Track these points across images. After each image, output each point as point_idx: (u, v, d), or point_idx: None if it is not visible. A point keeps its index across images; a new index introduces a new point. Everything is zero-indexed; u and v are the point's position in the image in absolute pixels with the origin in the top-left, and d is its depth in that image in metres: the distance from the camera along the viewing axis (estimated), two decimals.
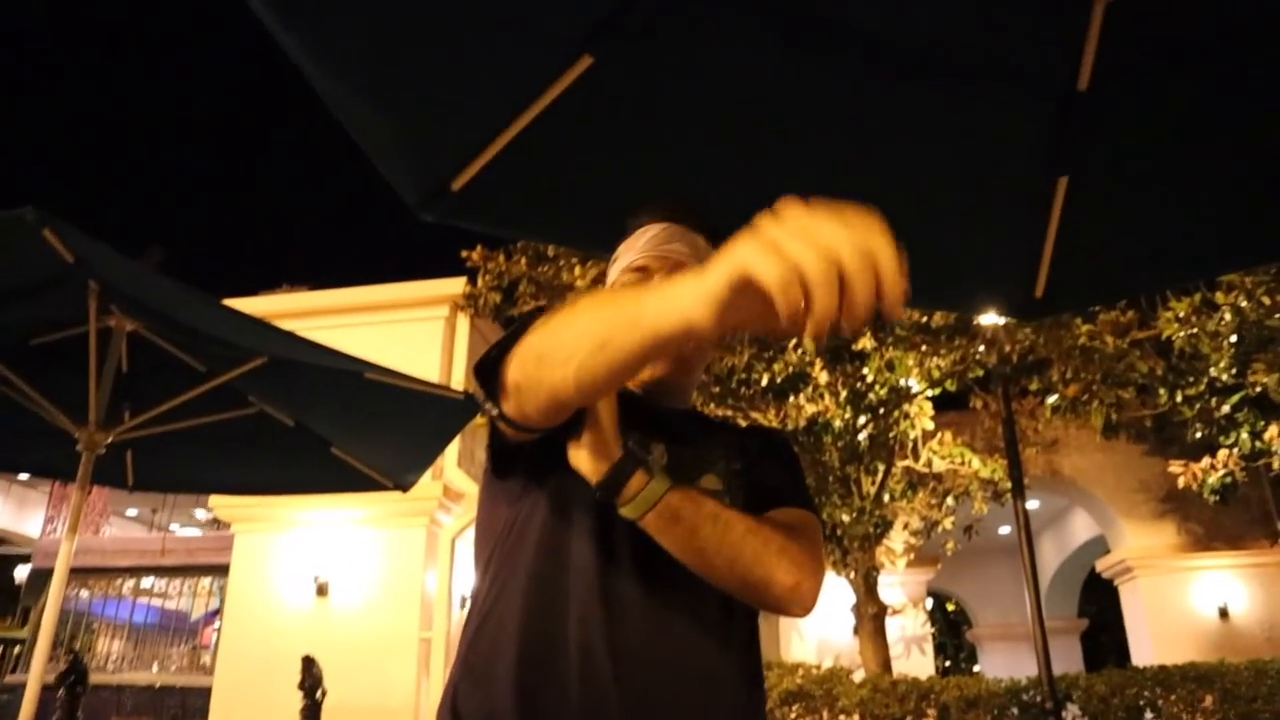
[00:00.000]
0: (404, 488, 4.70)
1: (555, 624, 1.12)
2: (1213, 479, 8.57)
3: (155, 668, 14.02)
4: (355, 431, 4.45)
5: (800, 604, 1.13)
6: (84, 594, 15.07)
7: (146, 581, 15.23)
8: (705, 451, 1.30)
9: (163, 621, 15.35)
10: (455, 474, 11.26)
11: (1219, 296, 7.57)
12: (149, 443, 4.23)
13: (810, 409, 8.61)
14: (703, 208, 1.43)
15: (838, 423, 8.65)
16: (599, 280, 8.05)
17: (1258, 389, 7.76)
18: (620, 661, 1.09)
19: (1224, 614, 10.89)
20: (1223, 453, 8.50)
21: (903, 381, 8.57)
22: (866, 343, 8.43)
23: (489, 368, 1.10)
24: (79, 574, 14.17)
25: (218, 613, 14.07)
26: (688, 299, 0.81)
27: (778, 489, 1.29)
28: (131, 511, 23.67)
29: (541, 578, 1.15)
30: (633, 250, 1.38)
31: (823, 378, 8.61)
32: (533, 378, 1.01)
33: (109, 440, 3.66)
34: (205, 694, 11.20)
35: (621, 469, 1.10)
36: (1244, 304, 7.45)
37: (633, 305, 0.88)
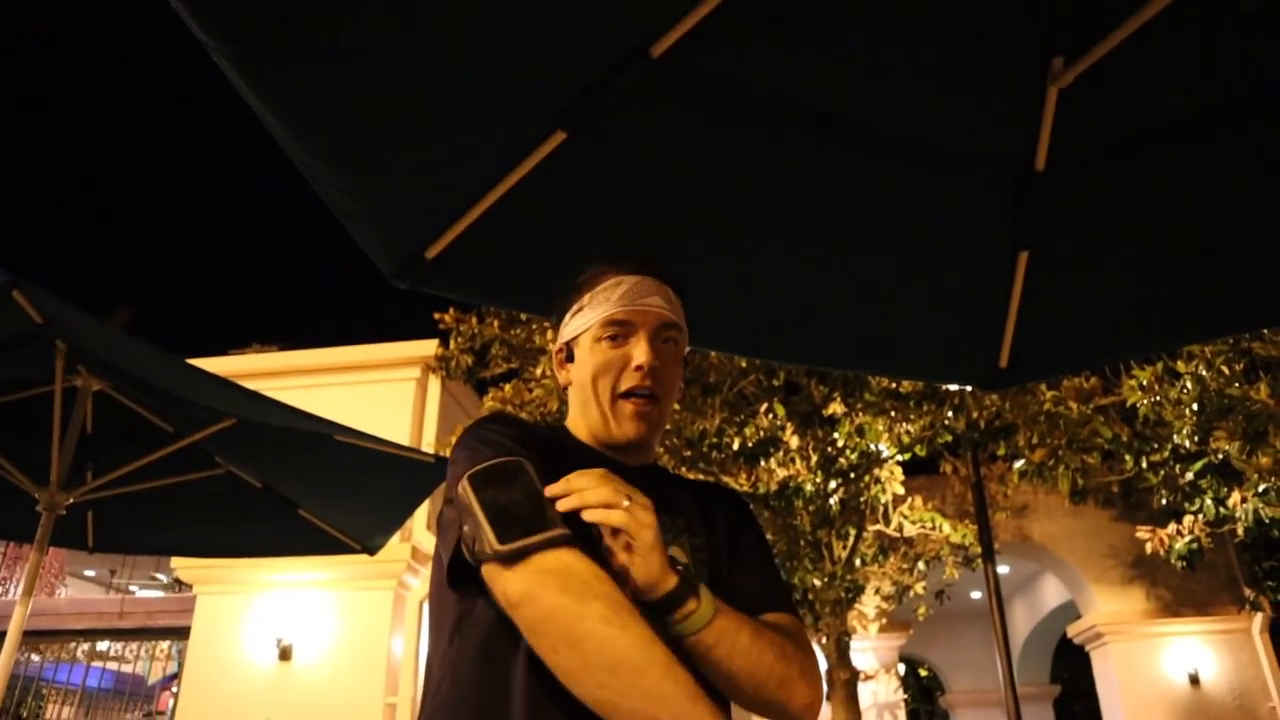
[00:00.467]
0: (371, 551, 4.64)
1: None
2: (1179, 545, 8.63)
3: None
4: (323, 493, 4.40)
5: (813, 715, 1.18)
6: (35, 658, 14.59)
7: (102, 645, 14.77)
8: (670, 520, 1.28)
9: (117, 686, 14.87)
10: (424, 536, 11.11)
11: (1180, 365, 7.71)
12: (111, 503, 4.15)
13: (781, 473, 8.61)
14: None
15: (809, 487, 8.65)
16: None
17: (1220, 456, 7.87)
18: None
19: (1194, 680, 10.87)
20: (1188, 519, 8.58)
21: (873, 446, 8.61)
22: (837, 408, 8.49)
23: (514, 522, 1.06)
24: (31, 637, 13.72)
25: (175, 676, 13.67)
26: None
27: (765, 591, 1.30)
28: (89, 572, 23.06)
29: (481, 684, 1.10)
30: (607, 303, 1.34)
31: (794, 442, 8.63)
32: (562, 624, 1.00)
33: (70, 501, 3.60)
34: None
35: (682, 591, 1.08)
36: (1205, 373, 7.60)
37: None
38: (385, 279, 1.95)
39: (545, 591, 1.01)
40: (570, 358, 1.40)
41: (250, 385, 3.59)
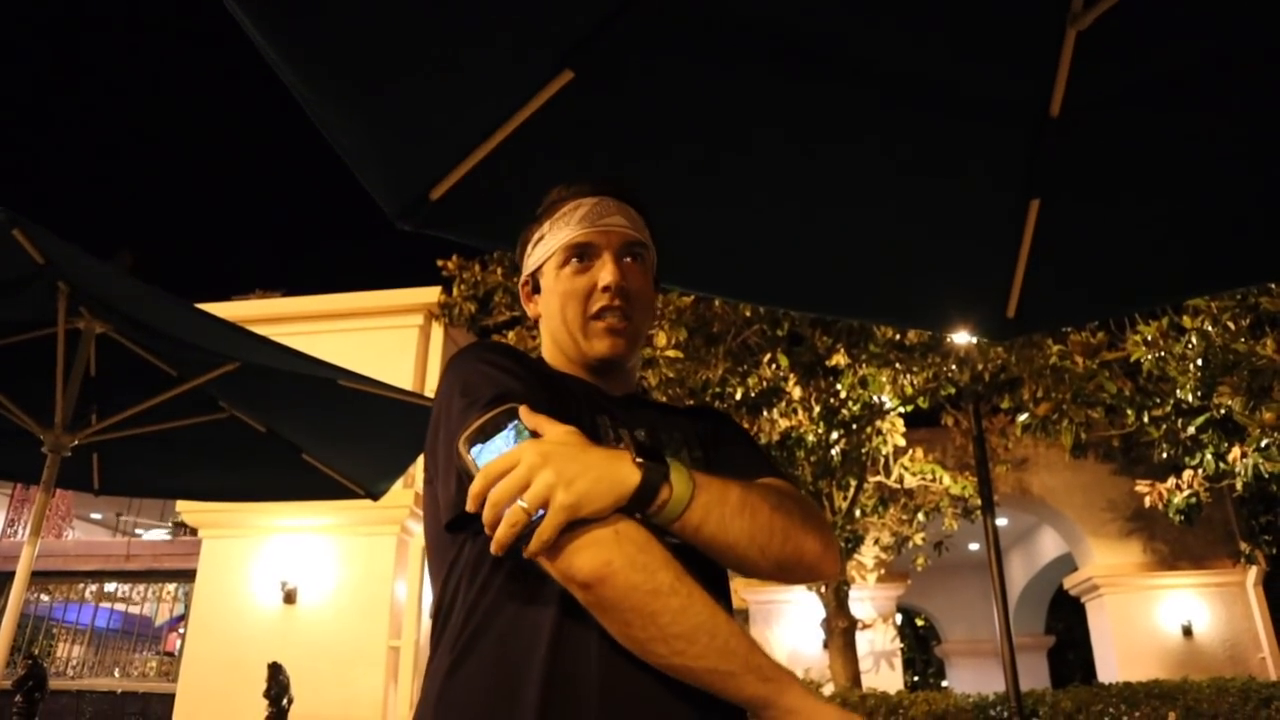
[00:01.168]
0: (375, 496, 4.67)
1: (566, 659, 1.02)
2: (1178, 499, 8.68)
3: (117, 673, 13.80)
4: (327, 439, 4.42)
5: (832, 567, 1.18)
6: (44, 598, 14.82)
7: (110, 586, 14.99)
8: (666, 438, 1.26)
9: (126, 627, 15.11)
10: None
11: (1186, 320, 7.69)
12: (116, 446, 4.18)
13: (784, 424, 8.64)
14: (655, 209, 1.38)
15: (811, 438, 8.69)
16: None
17: (1222, 411, 7.89)
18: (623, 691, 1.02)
19: (1188, 632, 11.01)
20: (1188, 473, 8.62)
21: (875, 398, 8.63)
22: (840, 358, 8.49)
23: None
24: (40, 578, 13.93)
25: (182, 618, 13.88)
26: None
27: (751, 465, 1.28)
28: (96, 515, 23.32)
29: (515, 634, 1.05)
30: (568, 226, 1.29)
31: (796, 393, 8.65)
32: (637, 602, 0.97)
33: (75, 443, 3.61)
34: (168, 701, 11.04)
35: (648, 482, 1.01)
36: (1210, 328, 7.57)
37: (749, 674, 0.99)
38: (389, 221, 1.93)
39: (615, 571, 0.97)
40: (537, 289, 1.36)
41: (255, 330, 3.58)
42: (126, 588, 14.99)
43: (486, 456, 0.99)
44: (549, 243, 1.31)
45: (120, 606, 15.25)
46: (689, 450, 1.26)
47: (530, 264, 1.35)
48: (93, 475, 4.54)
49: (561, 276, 1.29)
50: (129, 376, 3.93)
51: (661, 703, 1.02)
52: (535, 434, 1.01)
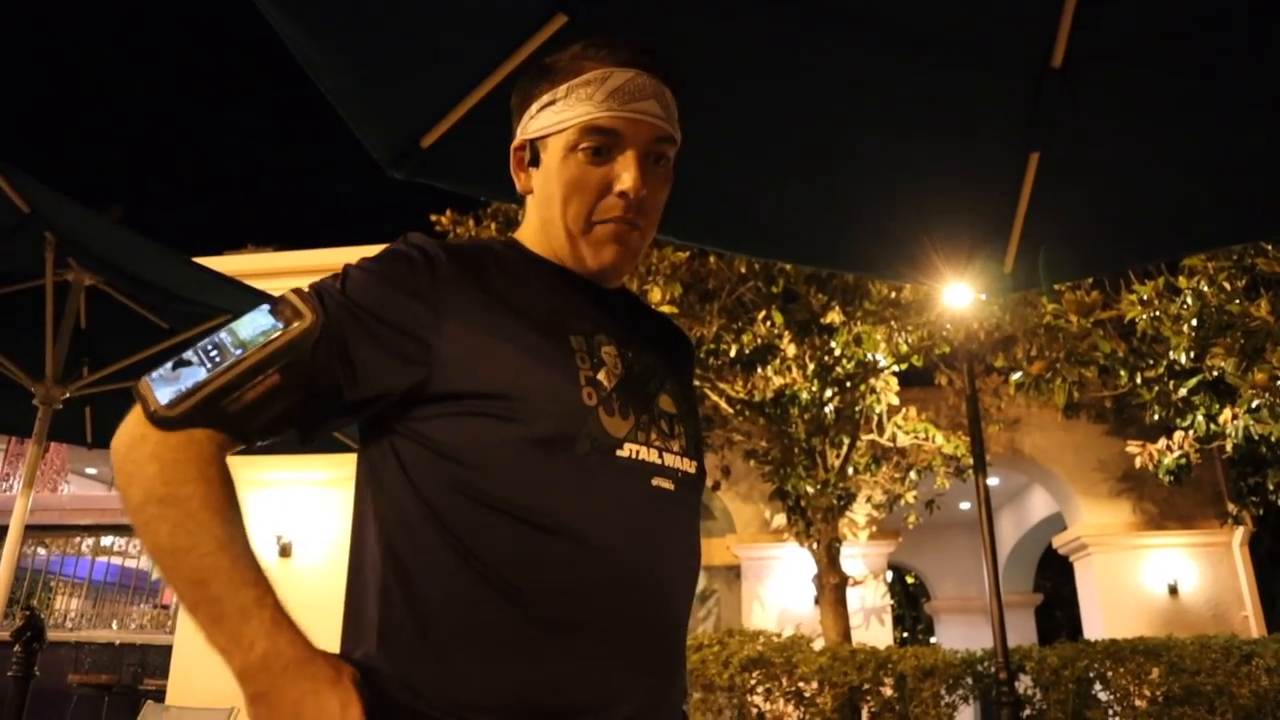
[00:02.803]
0: None
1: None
2: (1168, 460, 8.74)
3: (115, 625, 13.91)
4: None
5: None
6: (41, 552, 14.89)
7: (106, 540, 15.06)
8: (653, 360, 1.14)
9: (123, 580, 15.20)
10: None
11: (1181, 281, 7.68)
12: (109, 399, 4.17)
13: (778, 381, 8.66)
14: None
15: (805, 395, 8.71)
16: None
17: (1215, 373, 7.91)
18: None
19: (1174, 591, 11.15)
20: (1179, 434, 8.67)
21: (870, 356, 8.64)
22: (835, 316, 8.48)
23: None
24: (36, 531, 13.99)
25: None
26: (238, 663, 0.89)
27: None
28: (91, 470, 23.36)
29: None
30: (589, 102, 1.06)
31: (790, 350, 8.65)
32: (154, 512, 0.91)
33: (66, 396, 3.61)
34: (166, 652, 11.15)
35: None
36: (1205, 289, 7.57)
37: (220, 613, 0.89)
38: (383, 171, 1.90)
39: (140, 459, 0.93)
40: (535, 161, 1.13)
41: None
42: (123, 541, 15.07)
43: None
44: (562, 112, 1.08)
45: (117, 560, 15.34)
46: (671, 381, 1.14)
47: (532, 128, 1.12)
48: (85, 428, 4.54)
49: (571, 161, 1.08)
50: (121, 329, 3.91)
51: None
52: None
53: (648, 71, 1.09)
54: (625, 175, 1.07)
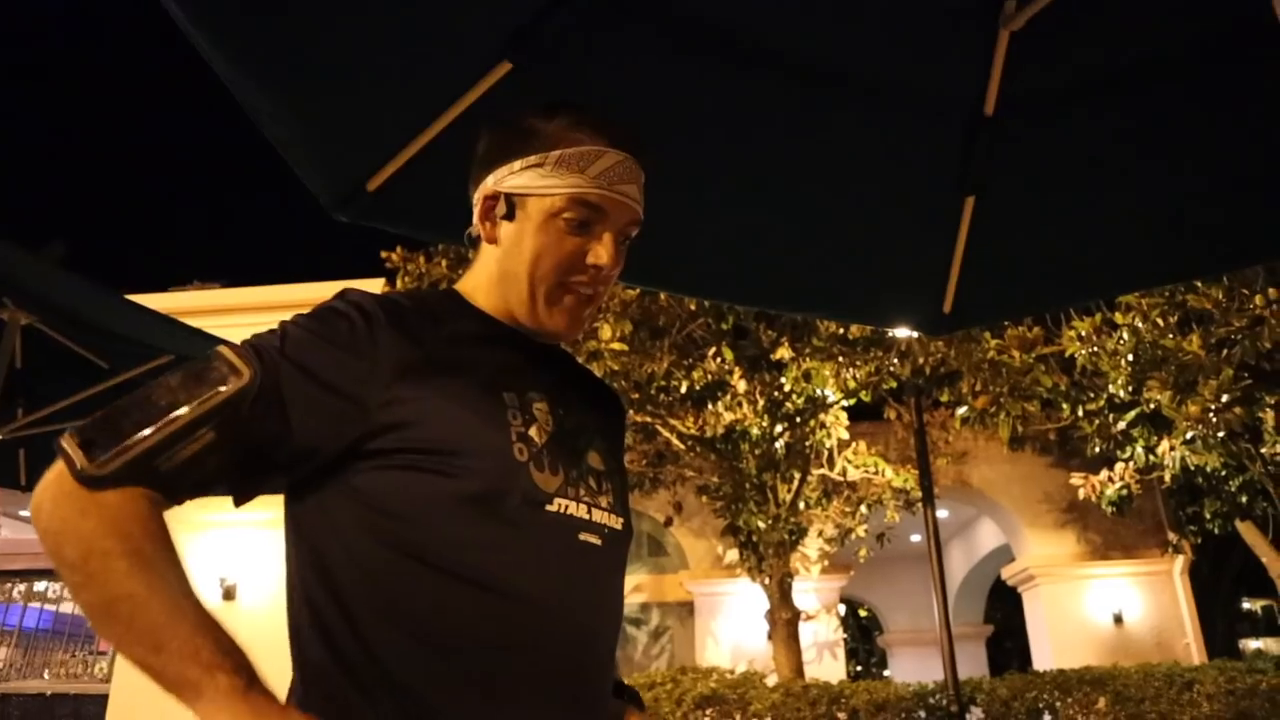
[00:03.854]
0: None
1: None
2: (1110, 491, 8.94)
3: (47, 675, 13.41)
4: None
5: None
6: None
7: (40, 585, 14.55)
8: (584, 417, 1.17)
9: (56, 626, 14.67)
10: None
11: (1118, 317, 7.91)
12: (45, 441, 4.06)
13: (729, 417, 8.70)
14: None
15: (755, 431, 8.76)
16: None
17: (1151, 405, 8.13)
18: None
19: (1118, 620, 11.34)
20: (1119, 466, 8.88)
21: (819, 391, 8.73)
22: (785, 352, 8.57)
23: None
24: None
25: None
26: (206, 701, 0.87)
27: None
28: (24, 512, 22.60)
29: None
30: (580, 176, 1.10)
31: (741, 386, 8.71)
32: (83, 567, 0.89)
33: (0, 438, 3.51)
34: (101, 701, 10.76)
35: None
36: (1140, 325, 7.80)
37: (163, 653, 0.88)
38: (326, 212, 1.90)
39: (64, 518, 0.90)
40: (510, 215, 1.15)
41: (192, 323, 3.50)
42: (57, 586, 14.56)
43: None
44: (549, 177, 1.11)
45: (51, 606, 14.81)
46: (600, 439, 1.17)
47: (510, 184, 1.14)
48: (19, 471, 4.41)
49: (551, 226, 1.11)
50: (58, 369, 3.82)
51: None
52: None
53: (635, 158, 1.15)
54: (603, 252, 1.12)
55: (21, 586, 14.43)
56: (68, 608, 14.69)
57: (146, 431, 0.91)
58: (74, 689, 12.45)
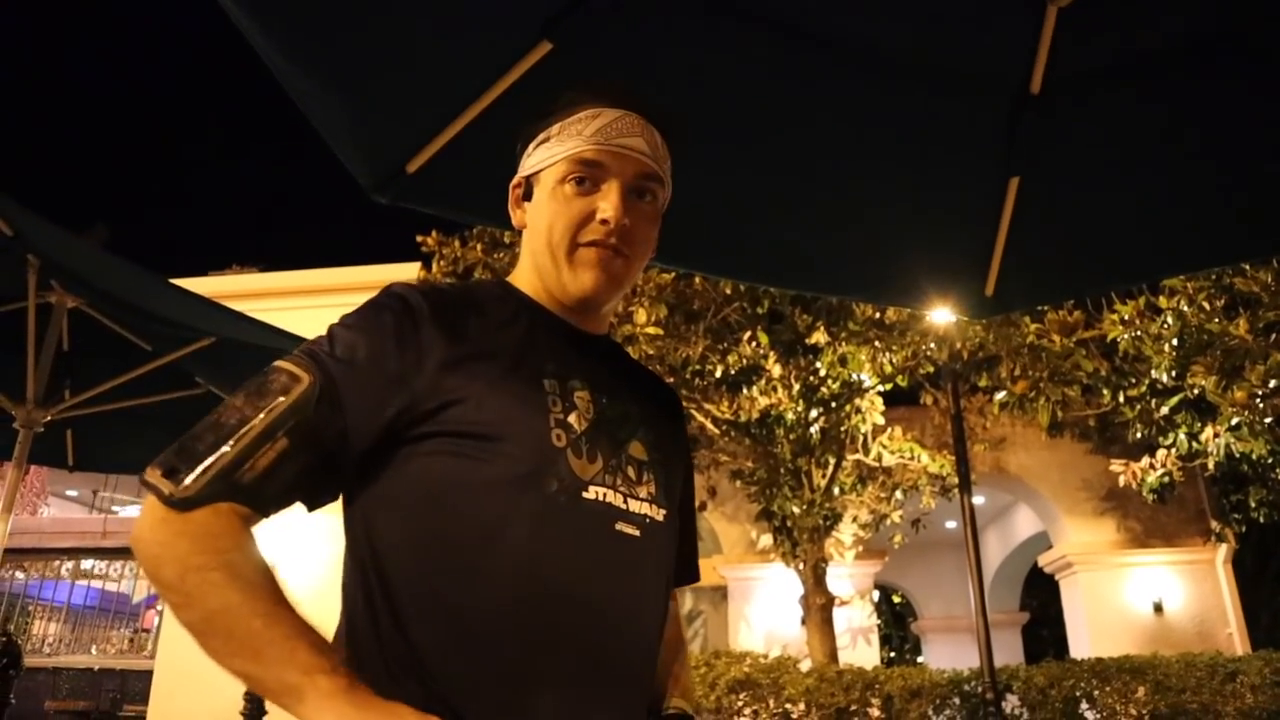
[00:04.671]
0: None
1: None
2: (1151, 478, 8.79)
3: (94, 650, 13.74)
4: None
5: None
6: (19, 576, 14.71)
7: (86, 563, 14.90)
8: (629, 407, 1.15)
9: (103, 604, 15.03)
10: None
11: (1162, 300, 7.76)
12: (90, 422, 4.14)
13: (763, 401, 8.67)
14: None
15: (790, 415, 8.72)
16: None
17: (1196, 391, 7.98)
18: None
19: (1158, 609, 11.18)
20: (1161, 453, 8.73)
21: (855, 376, 8.67)
22: (820, 337, 8.52)
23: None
24: (14, 555, 13.82)
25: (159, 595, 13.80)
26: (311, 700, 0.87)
27: (685, 564, 1.29)
28: (72, 491, 23.12)
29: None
30: (578, 138, 1.12)
31: (776, 371, 8.67)
32: (185, 590, 0.91)
33: (47, 418, 3.58)
34: (146, 677, 10.99)
35: None
36: (1185, 308, 7.65)
37: (269, 668, 0.89)
38: (366, 194, 1.91)
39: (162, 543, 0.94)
40: (529, 195, 1.18)
41: (231, 306, 3.54)
42: (103, 564, 14.90)
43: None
44: (554, 148, 1.13)
45: (97, 583, 15.17)
46: (645, 430, 1.15)
47: (528, 165, 1.18)
48: (67, 451, 4.50)
49: (558, 192, 1.13)
50: (103, 351, 3.89)
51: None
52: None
53: (638, 113, 1.15)
54: (605, 204, 1.11)
55: (70, 564, 14.79)
56: (114, 586, 15.04)
57: (225, 449, 0.94)
58: (120, 664, 12.75)
